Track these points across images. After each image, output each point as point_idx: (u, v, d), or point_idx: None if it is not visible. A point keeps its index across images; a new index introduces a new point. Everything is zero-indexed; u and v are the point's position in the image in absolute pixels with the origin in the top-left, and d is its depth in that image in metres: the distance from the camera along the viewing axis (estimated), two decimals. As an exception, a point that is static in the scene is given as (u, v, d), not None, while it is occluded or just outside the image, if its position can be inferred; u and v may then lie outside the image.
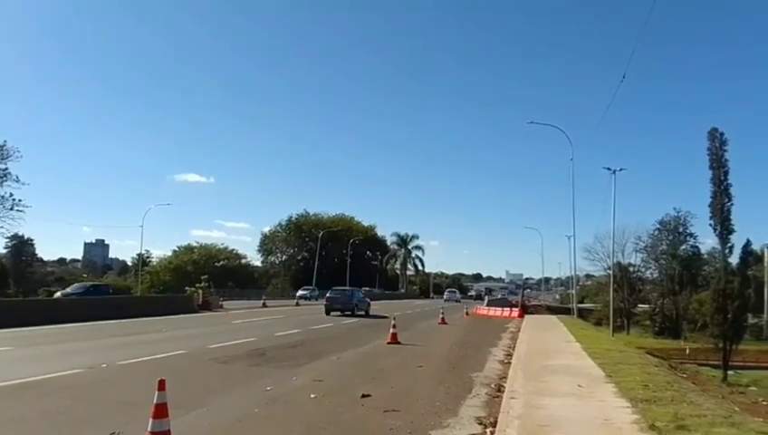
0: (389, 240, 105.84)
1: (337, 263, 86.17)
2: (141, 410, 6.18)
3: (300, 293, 59.56)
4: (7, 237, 66.45)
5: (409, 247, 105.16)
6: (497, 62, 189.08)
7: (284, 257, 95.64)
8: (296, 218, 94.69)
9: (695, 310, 59.55)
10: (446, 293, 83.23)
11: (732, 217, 44.33)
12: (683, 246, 66.12)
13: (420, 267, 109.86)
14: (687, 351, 43.30)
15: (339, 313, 30.10)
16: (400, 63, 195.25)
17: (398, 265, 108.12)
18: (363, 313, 31.30)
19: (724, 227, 44.34)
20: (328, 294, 32.80)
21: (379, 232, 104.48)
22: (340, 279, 76.83)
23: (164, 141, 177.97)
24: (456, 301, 70.85)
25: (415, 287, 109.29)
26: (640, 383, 9.41)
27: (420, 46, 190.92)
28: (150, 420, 5.44)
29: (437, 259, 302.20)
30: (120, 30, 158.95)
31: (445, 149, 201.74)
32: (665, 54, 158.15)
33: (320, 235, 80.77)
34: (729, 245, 45.28)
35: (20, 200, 53.37)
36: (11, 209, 53.11)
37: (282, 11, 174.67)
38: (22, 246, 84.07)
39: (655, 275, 70.28)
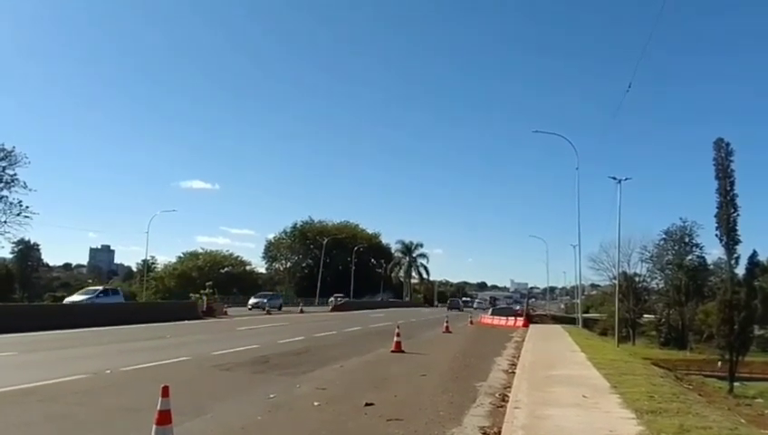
0: (394, 248, 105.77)
1: (341, 270, 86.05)
2: (145, 416, 6.19)
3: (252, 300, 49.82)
4: (13, 243, 66.83)
5: (414, 255, 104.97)
6: (502, 69, 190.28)
7: (289, 264, 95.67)
8: (301, 225, 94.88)
9: (701, 321, 59.26)
10: (475, 302, 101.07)
11: (738, 228, 44.20)
12: (689, 257, 65.80)
13: (425, 275, 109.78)
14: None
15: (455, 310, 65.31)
16: (405, 71, 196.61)
17: (402, 273, 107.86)
18: (461, 310, 66.11)
19: (730, 238, 44.16)
20: (449, 301, 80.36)
21: (384, 240, 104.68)
22: (344, 287, 76.86)
23: (169, 148, 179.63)
24: (483, 309, 75.95)
25: (419, 296, 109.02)
26: (646, 394, 9.34)
27: (425, 54, 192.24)
28: (154, 426, 5.44)
29: (441, 267, 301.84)
30: (126, 35, 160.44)
31: (450, 157, 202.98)
32: (670, 63, 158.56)
33: (324, 242, 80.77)
34: (735, 255, 45.11)
35: (27, 207, 53.63)
36: (18, 215, 53.39)
37: (287, 17, 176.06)
38: (28, 252, 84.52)
39: (661, 286, 69.89)
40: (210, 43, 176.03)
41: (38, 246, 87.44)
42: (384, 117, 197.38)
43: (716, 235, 45.26)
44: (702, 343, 55.79)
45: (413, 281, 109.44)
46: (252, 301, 49.40)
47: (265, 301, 47.84)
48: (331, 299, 63.21)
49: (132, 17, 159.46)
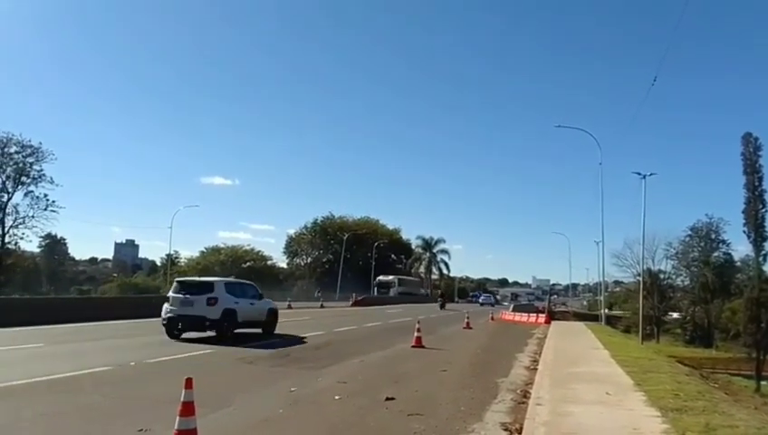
0: (414, 243, 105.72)
1: (362, 266, 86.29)
2: (169, 407, 6.26)
3: None
4: (41, 237, 68.28)
5: (434, 251, 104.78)
6: (523, 63, 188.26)
7: (309, 259, 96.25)
8: (321, 221, 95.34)
9: (727, 319, 58.23)
10: (481, 297, 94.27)
11: (766, 224, 43.35)
12: (715, 254, 64.60)
13: (445, 271, 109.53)
14: None
15: None
16: (426, 66, 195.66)
17: (422, 269, 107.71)
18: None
19: (757, 234, 43.44)
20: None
21: (404, 235, 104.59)
22: (364, 282, 77.04)
23: (190, 144, 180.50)
24: (491, 304, 75.73)
25: (439, 291, 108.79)
26: (670, 392, 9.20)
27: (447, 48, 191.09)
28: (177, 417, 5.50)
29: (461, 263, 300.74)
30: (150, 33, 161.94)
31: (471, 153, 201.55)
32: (697, 55, 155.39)
33: (345, 237, 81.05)
34: (763, 252, 44.32)
35: (54, 201, 54.79)
36: (45, 210, 54.60)
37: (307, 14, 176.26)
38: (54, 246, 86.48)
39: (686, 283, 68.76)
40: (233, 41, 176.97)
41: (64, 240, 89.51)
42: (404, 113, 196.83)
43: (744, 231, 44.64)
44: (728, 341, 54.83)
45: (433, 277, 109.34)
46: None
47: None
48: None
49: (156, 16, 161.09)
